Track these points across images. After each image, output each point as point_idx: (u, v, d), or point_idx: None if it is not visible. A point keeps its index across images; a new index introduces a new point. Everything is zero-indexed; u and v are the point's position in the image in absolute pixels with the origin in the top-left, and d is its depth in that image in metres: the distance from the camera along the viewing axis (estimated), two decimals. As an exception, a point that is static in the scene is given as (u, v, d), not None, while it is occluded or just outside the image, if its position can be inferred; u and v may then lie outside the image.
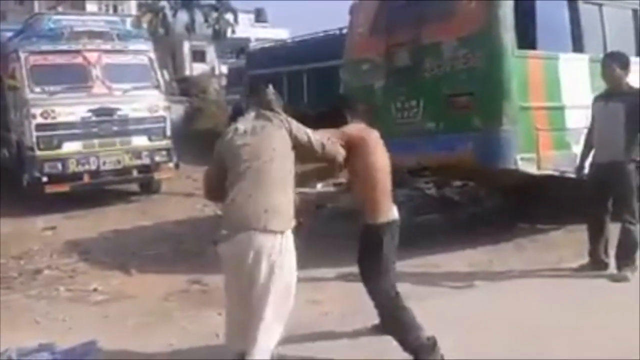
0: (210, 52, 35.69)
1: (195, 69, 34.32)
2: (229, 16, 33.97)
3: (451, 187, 9.16)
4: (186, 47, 35.02)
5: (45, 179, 9.04)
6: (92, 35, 9.63)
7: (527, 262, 5.33)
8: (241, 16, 36.07)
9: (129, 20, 10.75)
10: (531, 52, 5.48)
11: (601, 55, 5.19)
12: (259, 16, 38.76)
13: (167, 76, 12.13)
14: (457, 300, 4.51)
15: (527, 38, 5.43)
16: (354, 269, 3.55)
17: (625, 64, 4.82)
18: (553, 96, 5.59)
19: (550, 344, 3.55)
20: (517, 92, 5.30)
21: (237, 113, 19.77)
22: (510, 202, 8.01)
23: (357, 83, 6.60)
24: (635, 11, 6.46)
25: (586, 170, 5.08)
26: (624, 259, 4.73)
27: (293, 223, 2.86)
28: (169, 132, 10.13)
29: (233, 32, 33.50)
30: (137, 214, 9.22)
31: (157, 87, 10.11)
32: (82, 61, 9.43)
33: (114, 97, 9.54)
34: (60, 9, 22.11)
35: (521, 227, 6.64)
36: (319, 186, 10.53)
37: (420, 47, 5.82)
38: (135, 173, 9.86)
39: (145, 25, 32.97)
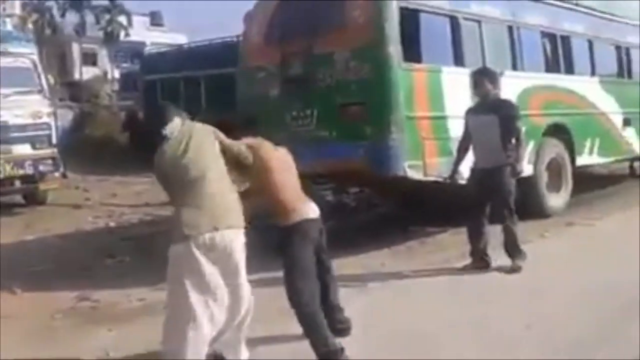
0: (102, 56, 34.16)
1: (86, 73, 32.65)
2: (123, 18, 32.73)
3: (348, 194, 9.42)
4: (76, 49, 33.29)
5: None
6: (-34, 36, 8.92)
7: (417, 264, 5.59)
8: (136, 19, 34.84)
9: (9, 21, 10.05)
10: (416, 65, 5.78)
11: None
12: (155, 19, 37.64)
13: (52, 80, 11.44)
14: (350, 301, 4.62)
15: (412, 52, 5.72)
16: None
17: (494, 79, 5.22)
18: (437, 107, 5.92)
19: (442, 342, 3.71)
20: (404, 103, 5.57)
21: (131, 120, 19.04)
22: (403, 207, 8.39)
23: (252, 91, 6.62)
24: (510, 27, 6.99)
25: (464, 175, 5.43)
26: (514, 251, 5.14)
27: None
28: (54, 140, 9.58)
29: (127, 35, 32.28)
30: (20, 227, 8.64)
31: (41, 91, 9.54)
32: (-46, 65, 8.70)
33: (-9, 103, 8.88)
34: None
35: (412, 230, 6.97)
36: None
37: (314, 56, 5.94)
38: (17, 184, 9.25)
39: (30, 26, 31.18)
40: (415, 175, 5.64)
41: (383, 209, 8.81)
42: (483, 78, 5.19)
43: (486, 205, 5.19)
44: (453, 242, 6.24)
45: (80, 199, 10.83)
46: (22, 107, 9.15)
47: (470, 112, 5.32)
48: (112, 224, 8.93)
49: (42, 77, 9.68)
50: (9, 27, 9.77)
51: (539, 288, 4.62)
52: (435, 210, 7.50)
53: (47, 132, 9.47)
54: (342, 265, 5.65)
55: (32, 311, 4.86)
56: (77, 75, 32.38)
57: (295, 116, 6.18)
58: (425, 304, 4.51)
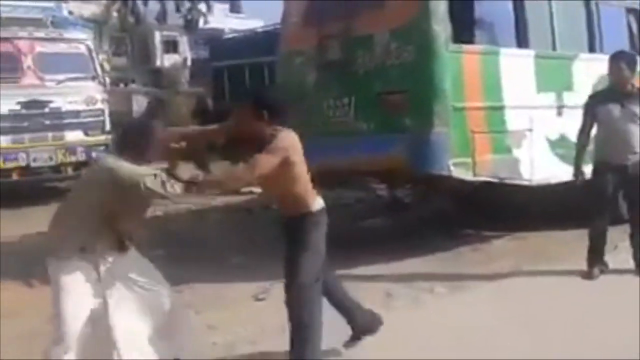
0: (183, 43, 34.83)
1: (167, 60, 33.54)
2: (202, 6, 33.10)
3: (403, 188, 8.73)
4: (158, 36, 34.17)
5: (-29, 175, 8.42)
6: (24, 22, 8.97)
7: (462, 276, 4.89)
8: (216, 6, 35.17)
9: (64, 6, 10.09)
10: (468, 47, 5.00)
11: (549, 51, 4.75)
12: (234, 6, 37.94)
13: (107, 66, 11.49)
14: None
15: (463, 31, 4.95)
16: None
17: (633, 64, 4.53)
18: (492, 95, 5.12)
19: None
20: (450, 91, 4.82)
21: (200, 106, 19.18)
22: (460, 205, 7.60)
23: (290, 77, 6.09)
24: (587, 4, 6.01)
25: (587, 175, 4.67)
26: None
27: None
28: (108, 127, 9.53)
29: (206, 22, 32.64)
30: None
31: (95, 78, 9.50)
32: (12, 50, 8.78)
33: (46, 88, 8.91)
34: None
35: (467, 233, 6.23)
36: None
37: (352, 39, 5.31)
38: (70, 171, 9.24)
39: (115, 14, 32.28)
40: (461, 174, 4.90)
41: (439, 206, 8.05)
42: (619, 62, 4.48)
43: (612, 205, 4.56)
44: (509, 250, 5.48)
45: (135, 186, 10.80)
46: (75, 94, 9.14)
47: (598, 100, 4.59)
48: (158, 213, 8.75)
49: (97, 63, 9.65)
50: (65, 12, 9.77)
51: None
52: (496, 212, 6.70)
53: (100, 118, 9.44)
54: (377, 272, 5.10)
55: (35, 309, 4.59)
56: (158, 63, 33.31)
57: (332, 105, 5.59)
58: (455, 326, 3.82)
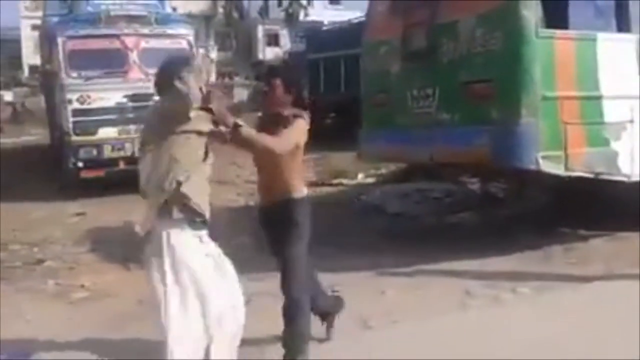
0: (284, 36, 35.59)
1: (269, 53, 34.44)
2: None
3: (497, 182, 8.36)
4: (260, 30, 35.14)
5: (80, 164, 9.10)
6: (130, 19, 9.53)
7: (549, 277, 4.60)
8: (316, -1, 35.58)
9: (167, 4, 10.60)
10: (560, 32, 4.66)
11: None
12: (333, -2, 38.13)
13: (207, 60, 11.85)
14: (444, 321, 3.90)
15: (556, 15, 4.62)
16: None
17: None
18: (587, 84, 4.75)
19: None
20: (540, 80, 4.53)
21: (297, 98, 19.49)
22: (557, 201, 7.15)
23: (375, 67, 6.03)
24: None
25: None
26: None
27: None
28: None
29: (306, 15, 33.11)
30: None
31: (196, 71, 9.90)
32: (119, 46, 9.37)
33: (150, 82, 9.39)
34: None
35: (562, 231, 5.85)
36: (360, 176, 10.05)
37: (436, 27, 5.15)
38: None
39: (220, 10, 33.62)
40: (552, 168, 4.60)
41: (534, 202, 7.62)
42: None
43: None
44: (605, 251, 5.08)
45: (232, 175, 11.17)
46: (175, 87, 9.58)
47: None
48: (250, 203, 9.00)
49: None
50: (168, 9, 10.27)
51: None
52: (595, 209, 6.23)
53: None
54: (461, 269, 4.93)
55: (132, 291, 4.87)
56: (260, 56, 34.28)
57: (416, 96, 5.46)
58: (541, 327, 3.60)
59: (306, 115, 3.16)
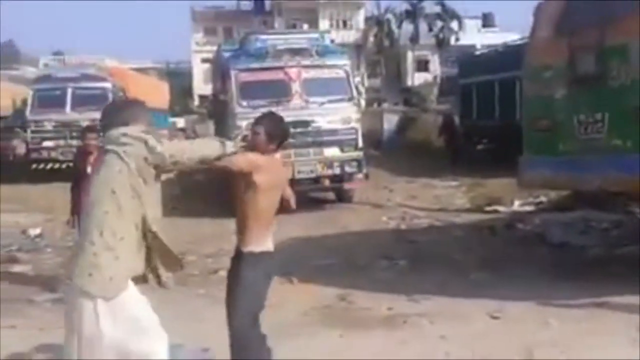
0: (434, 61, 35.53)
1: (418, 78, 34.59)
2: (455, 24, 33.44)
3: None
4: (410, 57, 35.43)
5: (245, 184, 9.89)
6: (293, 52, 10.27)
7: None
8: (468, 22, 35.22)
9: (327, 36, 11.22)
10: None
11: None
12: (487, 21, 37.36)
13: (361, 88, 12.35)
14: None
15: None
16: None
17: None
18: None
19: None
20: None
21: (447, 124, 19.30)
22: None
23: (538, 92, 5.92)
24: None
25: None
26: None
27: None
28: (360, 144, 10.32)
29: (457, 39, 32.87)
30: (324, 221, 9.55)
31: (351, 99, 10.37)
32: (283, 77, 10.13)
33: (310, 109, 10.04)
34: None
35: None
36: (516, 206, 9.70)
37: (605, 49, 4.96)
38: (327, 182, 10.25)
39: (371, 39, 34.52)
40: None
41: None
42: None
43: None
44: None
45: (383, 199, 11.44)
46: (334, 114, 10.12)
47: None
48: (402, 227, 9.15)
49: (353, 86, 10.53)
50: (327, 41, 10.89)
51: None
52: None
53: (354, 136, 10.27)
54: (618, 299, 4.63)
55: (294, 303, 5.25)
56: (409, 82, 34.51)
57: (584, 121, 5.28)
58: None
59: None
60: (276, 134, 3.13)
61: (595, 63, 5.07)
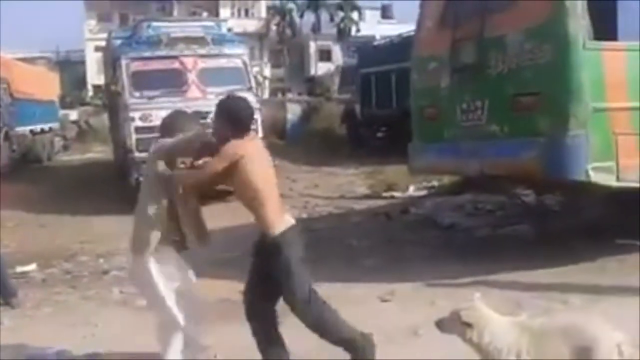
0: (336, 51, 36.01)
1: (321, 68, 34.92)
2: (355, 14, 34.04)
3: (552, 194, 8.26)
4: (312, 47, 35.69)
5: (142, 179, 9.55)
6: (189, 40, 9.99)
7: (603, 288, 4.57)
8: (367, 13, 36.00)
9: (224, 25, 11.03)
10: (608, 44, 4.67)
11: None
12: (385, 12, 38.36)
13: (260, 78, 12.26)
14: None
15: (604, 27, 4.64)
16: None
17: None
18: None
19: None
20: (588, 92, 4.55)
21: (348, 113, 19.56)
22: (612, 212, 7.02)
23: (425, 82, 6.16)
24: None
25: None
26: None
27: None
28: (260, 133, 10.23)
29: (358, 30, 33.50)
30: (224, 213, 9.39)
31: (250, 89, 10.25)
32: (178, 66, 9.83)
33: (207, 100, 9.79)
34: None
35: (617, 243, 5.76)
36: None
37: (485, 41, 5.24)
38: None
39: (274, 28, 34.43)
40: (603, 179, 4.59)
41: (592, 214, 7.49)
42: None
43: None
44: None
45: (285, 189, 11.43)
46: (231, 104, 9.95)
47: None
48: (304, 215, 9.20)
49: (251, 75, 10.41)
50: (224, 30, 10.69)
51: None
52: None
53: (253, 127, 10.16)
54: (506, 282, 4.96)
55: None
56: (312, 72, 34.80)
57: (466, 109, 5.55)
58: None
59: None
60: (237, 118, 3.16)
61: (476, 54, 5.33)
